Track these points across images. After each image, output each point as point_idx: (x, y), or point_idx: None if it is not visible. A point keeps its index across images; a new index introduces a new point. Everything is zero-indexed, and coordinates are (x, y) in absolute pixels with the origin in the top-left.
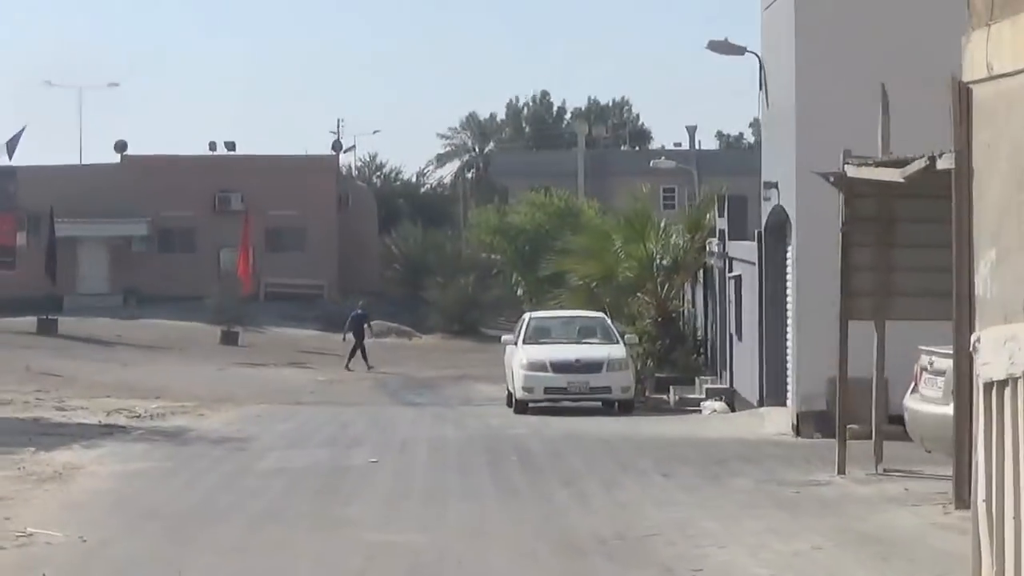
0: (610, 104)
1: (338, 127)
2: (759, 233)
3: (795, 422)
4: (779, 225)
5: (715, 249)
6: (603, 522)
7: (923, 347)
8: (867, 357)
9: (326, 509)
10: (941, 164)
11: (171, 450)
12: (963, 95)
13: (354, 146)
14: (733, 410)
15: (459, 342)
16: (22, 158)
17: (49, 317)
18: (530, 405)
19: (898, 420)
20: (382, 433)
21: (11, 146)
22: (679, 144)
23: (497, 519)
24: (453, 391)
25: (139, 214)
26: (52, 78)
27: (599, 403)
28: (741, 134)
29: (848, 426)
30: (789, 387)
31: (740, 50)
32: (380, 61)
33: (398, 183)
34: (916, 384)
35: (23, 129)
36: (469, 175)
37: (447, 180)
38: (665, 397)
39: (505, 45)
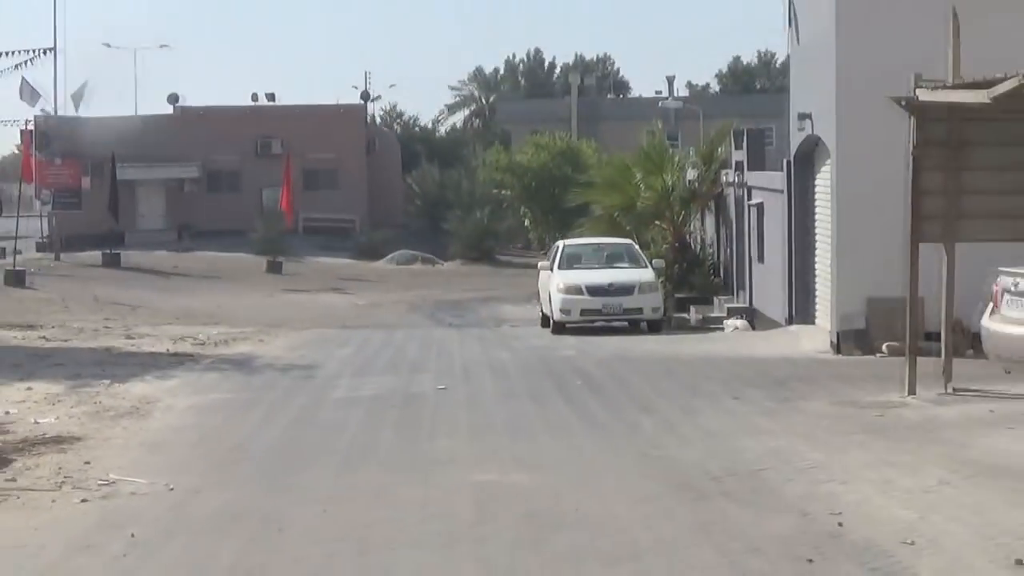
0: (594, 59)
1: (365, 79)
2: (788, 162)
3: (835, 340)
4: (808, 154)
5: (731, 179)
6: (703, 455)
7: (1004, 268)
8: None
9: (413, 445)
10: None
11: (242, 379)
12: None
13: (379, 96)
14: (753, 328)
15: (477, 267)
16: (85, 110)
17: (112, 251)
18: (567, 326)
19: (935, 337)
20: (438, 357)
21: (76, 99)
22: (659, 92)
23: (594, 455)
24: (484, 312)
25: (190, 159)
26: (111, 40)
27: (627, 323)
28: (707, 84)
29: (887, 344)
30: (818, 307)
31: None
32: (398, 23)
33: (416, 129)
34: (996, 305)
35: (86, 83)
36: (476, 122)
37: (458, 126)
38: (686, 316)
39: (504, 7)
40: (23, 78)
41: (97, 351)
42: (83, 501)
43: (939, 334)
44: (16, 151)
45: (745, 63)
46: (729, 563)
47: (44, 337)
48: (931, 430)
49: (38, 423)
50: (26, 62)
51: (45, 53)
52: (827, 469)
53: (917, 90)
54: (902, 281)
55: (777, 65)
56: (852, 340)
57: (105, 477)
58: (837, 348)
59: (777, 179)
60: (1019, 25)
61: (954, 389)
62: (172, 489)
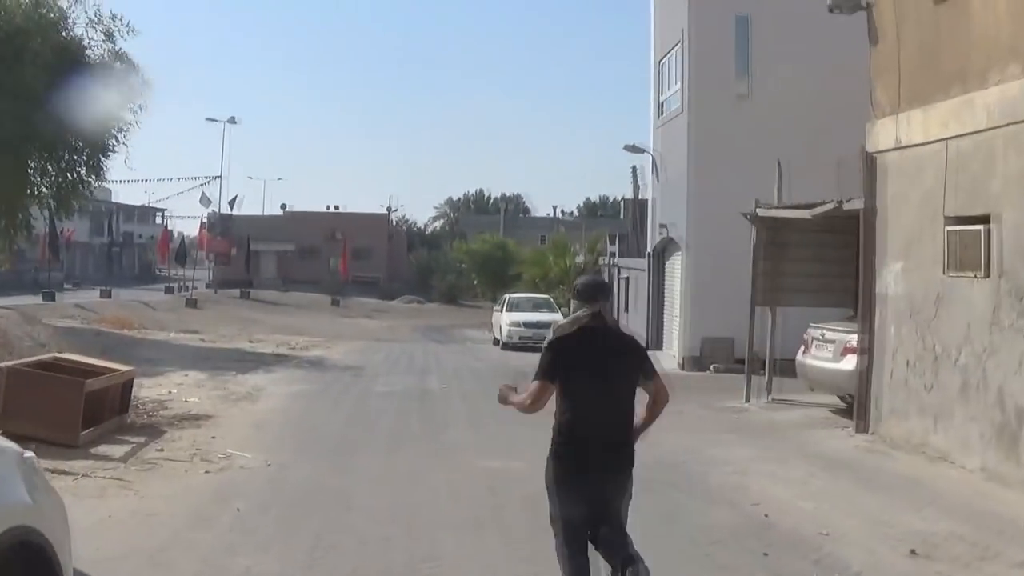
0: (513, 194)
1: (389, 200)
2: (649, 253)
3: (681, 362)
4: (662, 248)
5: (607, 262)
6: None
7: (813, 324)
8: (726, 324)
9: (434, 434)
10: (848, 206)
11: (317, 375)
12: (869, 160)
13: (396, 209)
14: None
15: (448, 307)
16: (236, 211)
17: (246, 290)
18: (509, 345)
19: (740, 363)
20: (437, 363)
21: (231, 204)
22: (548, 213)
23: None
24: (455, 334)
25: (292, 240)
26: (252, 173)
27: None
28: (573, 211)
29: (713, 365)
30: (666, 340)
31: (642, 150)
32: (408, 169)
33: (415, 229)
34: (807, 348)
35: (237, 195)
36: (448, 227)
37: (438, 228)
38: None
39: (464, 164)
40: (203, 191)
41: (232, 351)
42: (206, 472)
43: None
44: (199, 233)
45: (593, 200)
46: (703, 555)
47: (203, 339)
48: (776, 429)
49: (187, 402)
50: (205, 183)
51: (215, 178)
52: (727, 462)
53: (757, 209)
54: (724, 326)
55: (611, 202)
56: (692, 363)
57: (224, 452)
58: (682, 367)
59: (641, 263)
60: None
61: (773, 399)
62: (269, 465)
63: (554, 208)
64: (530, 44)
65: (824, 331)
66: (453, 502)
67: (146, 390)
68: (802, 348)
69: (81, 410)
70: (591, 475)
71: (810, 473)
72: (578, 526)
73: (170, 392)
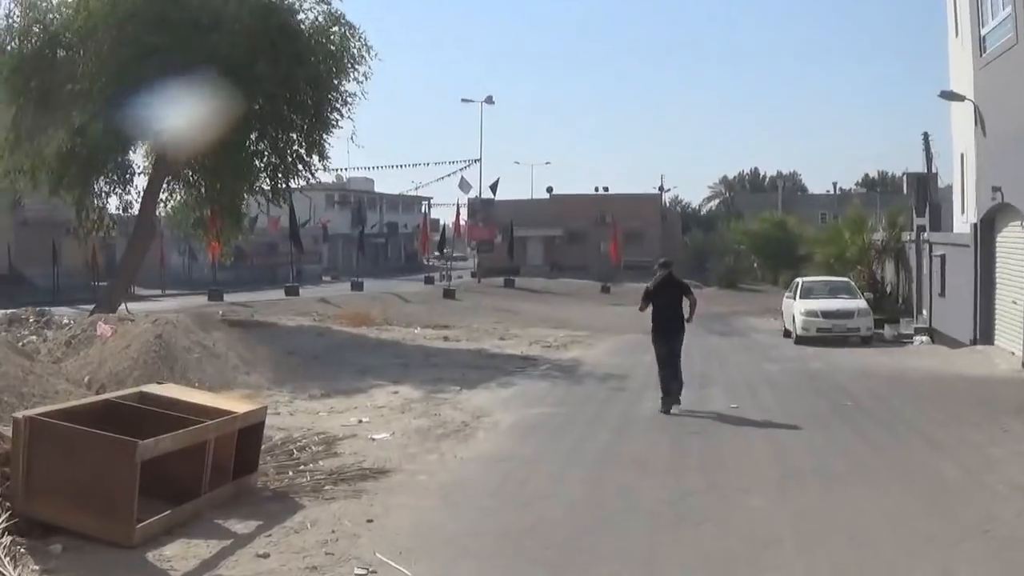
0: (788, 172)
1: (661, 180)
2: (975, 225)
3: None
4: (991, 218)
5: (911, 237)
6: None
7: None
8: None
9: (729, 510)
10: None
11: (565, 390)
12: None
13: (669, 189)
14: (933, 342)
15: (726, 291)
16: (498, 195)
17: (510, 278)
18: (804, 339)
19: None
20: (720, 365)
21: (492, 188)
22: (827, 190)
23: (928, 530)
24: (736, 323)
25: (558, 225)
26: (518, 158)
27: (844, 336)
28: (852, 188)
29: None
30: (999, 333)
31: (961, 97)
32: (677, 151)
33: (689, 209)
34: None
35: (497, 180)
36: (722, 206)
37: (712, 208)
38: (882, 332)
39: (734, 139)
40: (462, 176)
41: (471, 352)
42: None
43: None
44: (454, 220)
45: (872, 176)
46: None
47: (446, 337)
48: None
49: (371, 440)
50: (463, 167)
51: (474, 162)
52: None
53: None
54: None
55: (890, 176)
56: None
57: (369, 561)
58: None
59: (961, 238)
60: None
61: None
62: None
63: (833, 184)
64: (797, 18)
65: None
66: None
67: (327, 419)
68: None
69: (135, 486)
70: (665, 336)
71: None
72: (664, 357)
73: (359, 422)
